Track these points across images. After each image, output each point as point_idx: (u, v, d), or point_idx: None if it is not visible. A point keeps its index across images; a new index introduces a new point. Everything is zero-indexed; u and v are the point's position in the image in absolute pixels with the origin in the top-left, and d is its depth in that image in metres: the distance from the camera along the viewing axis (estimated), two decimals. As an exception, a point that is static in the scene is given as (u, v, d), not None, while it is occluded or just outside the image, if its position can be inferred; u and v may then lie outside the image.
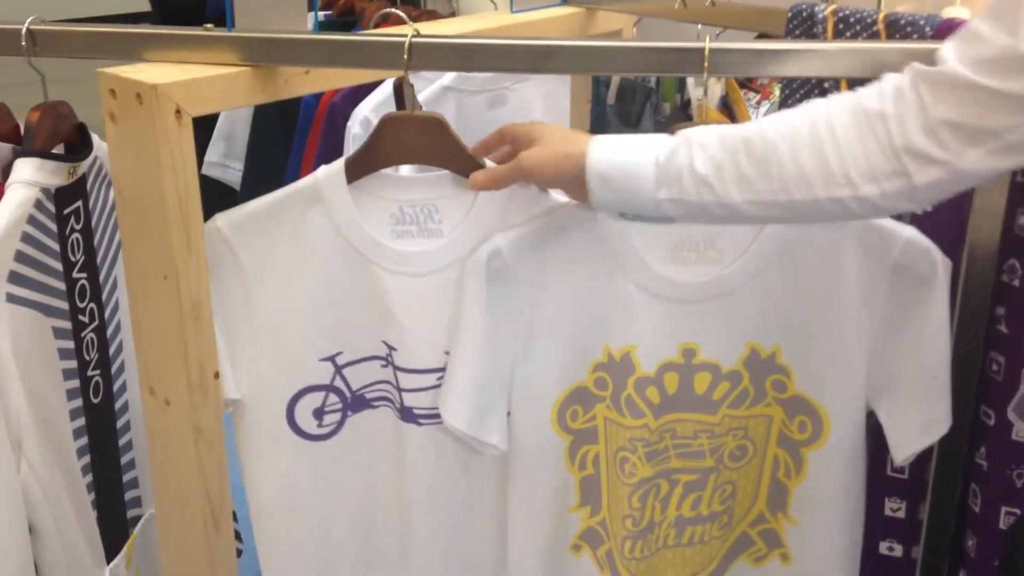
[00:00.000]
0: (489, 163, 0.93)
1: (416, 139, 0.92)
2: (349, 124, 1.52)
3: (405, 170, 1.10)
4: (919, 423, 0.89)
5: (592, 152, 0.81)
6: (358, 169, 0.93)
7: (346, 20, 1.96)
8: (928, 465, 0.97)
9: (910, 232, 0.87)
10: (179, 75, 0.85)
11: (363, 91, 1.56)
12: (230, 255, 0.93)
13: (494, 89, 1.59)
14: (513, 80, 1.59)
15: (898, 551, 1.01)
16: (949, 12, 2.73)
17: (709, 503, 1.01)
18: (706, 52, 0.81)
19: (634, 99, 1.25)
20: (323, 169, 0.93)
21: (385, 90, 1.54)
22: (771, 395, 0.97)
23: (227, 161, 2.03)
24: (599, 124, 1.27)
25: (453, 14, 2.50)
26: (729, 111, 1.25)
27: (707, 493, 1.00)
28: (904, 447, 0.91)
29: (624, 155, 0.80)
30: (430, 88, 1.54)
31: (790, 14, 1.01)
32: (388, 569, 1.08)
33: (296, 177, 0.98)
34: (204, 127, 1.96)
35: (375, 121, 1.40)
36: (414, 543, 1.05)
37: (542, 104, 1.64)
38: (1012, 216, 0.87)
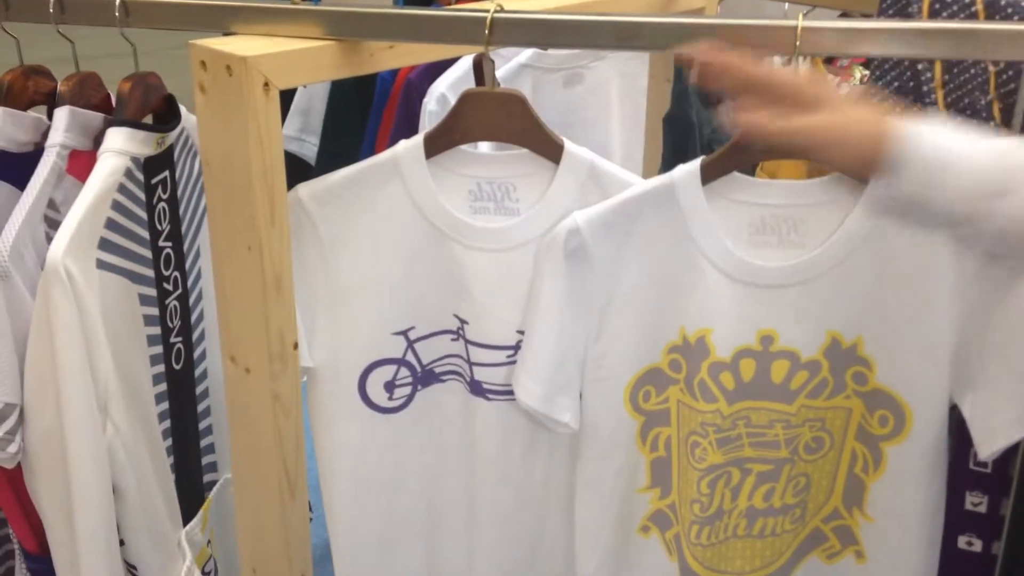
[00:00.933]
0: (578, 148, 0.93)
1: (495, 116, 0.92)
2: (425, 101, 1.53)
3: (484, 147, 1.10)
4: (1007, 418, 0.86)
5: (909, 132, 0.69)
6: (437, 145, 0.93)
7: (424, -6, 1.96)
8: (1013, 459, 0.93)
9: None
10: (267, 48, 0.86)
11: (439, 68, 1.56)
12: (310, 226, 0.94)
13: (571, 67, 1.58)
14: (590, 58, 1.58)
15: (977, 546, 0.99)
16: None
17: (782, 495, 0.99)
18: (798, 30, 0.79)
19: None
20: (402, 143, 0.94)
21: (462, 67, 1.54)
22: (851, 387, 0.95)
23: (303, 135, 2.06)
24: (680, 104, 1.25)
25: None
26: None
27: (780, 485, 0.99)
28: (990, 442, 0.88)
29: (948, 141, 0.70)
30: (507, 66, 1.54)
31: (884, -7, 0.98)
32: (453, 542, 1.09)
33: (371, 153, 0.99)
34: (282, 101, 1.99)
35: (451, 98, 1.41)
36: (479, 517, 1.06)
37: (619, 83, 1.62)
38: None
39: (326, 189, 0.94)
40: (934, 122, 0.71)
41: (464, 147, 0.95)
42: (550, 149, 0.93)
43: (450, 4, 1.64)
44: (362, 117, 1.84)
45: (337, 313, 0.98)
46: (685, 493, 0.99)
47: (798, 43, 0.79)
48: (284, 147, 2.14)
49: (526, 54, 1.54)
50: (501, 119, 0.92)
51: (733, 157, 0.88)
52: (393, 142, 0.95)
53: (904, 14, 0.97)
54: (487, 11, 0.85)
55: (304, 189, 0.94)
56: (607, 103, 1.64)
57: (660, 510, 1.03)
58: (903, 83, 0.98)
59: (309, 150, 2.05)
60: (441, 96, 1.52)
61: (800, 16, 0.80)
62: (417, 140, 0.93)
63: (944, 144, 0.70)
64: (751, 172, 1.07)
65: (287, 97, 2.02)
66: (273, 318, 0.92)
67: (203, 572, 1.19)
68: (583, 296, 0.93)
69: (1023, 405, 0.85)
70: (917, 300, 0.89)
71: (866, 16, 1.07)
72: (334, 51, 0.90)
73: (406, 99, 1.69)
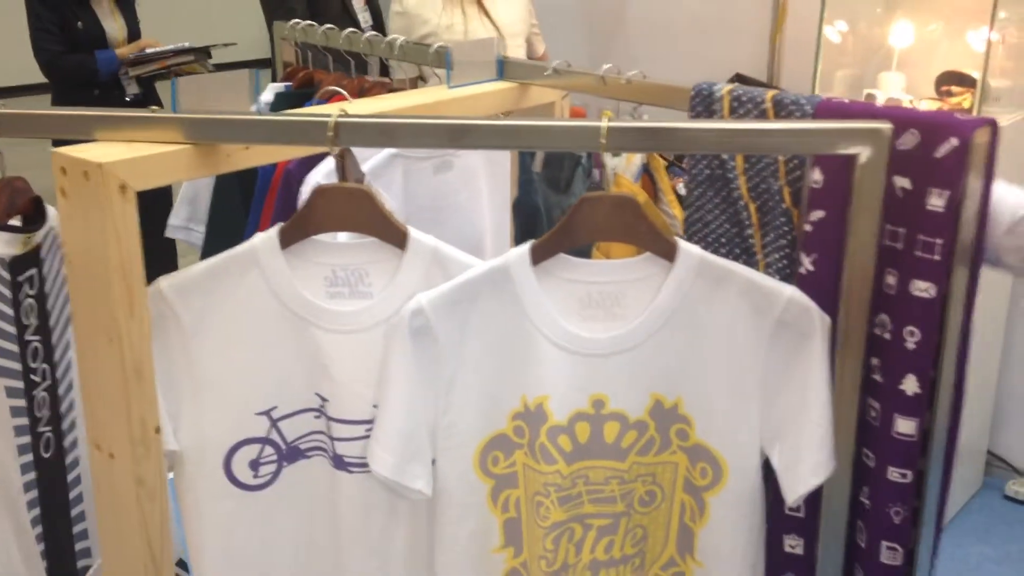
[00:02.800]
0: (420, 234, 1.02)
1: (345, 209, 1.00)
2: (302, 190, 1.61)
3: (343, 236, 1.18)
4: (806, 467, 0.97)
5: None
6: (291, 236, 1.01)
7: (304, 92, 2.06)
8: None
9: (791, 291, 0.96)
10: (124, 153, 0.93)
11: (317, 157, 1.65)
12: (171, 316, 1.00)
13: (439, 156, 1.69)
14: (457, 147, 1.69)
15: (798, 587, 1.08)
16: (884, 77, 2.86)
17: (621, 546, 1.08)
18: (603, 130, 0.91)
19: (562, 166, 1.34)
20: (259, 236, 1.01)
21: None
22: (676, 443, 1.05)
23: (191, 224, 2.11)
24: (526, 192, 1.36)
25: (420, 78, 2.63)
26: (651, 178, 1.35)
27: (619, 537, 1.07)
28: (794, 489, 0.98)
29: None
30: (378, 156, 1.63)
31: (693, 92, 1.11)
32: (324, 614, 1.14)
33: (254, 240, 1.05)
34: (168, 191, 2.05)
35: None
36: (348, 587, 1.11)
37: (486, 170, 1.73)
38: (880, 276, 0.96)
39: (187, 280, 1.01)
40: None
41: (320, 237, 1.03)
42: (396, 237, 1.02)
43: (328, 97, 1.74)
44: (245, 206, 1.90)
45: (201, 397, 1.04)
46: (534, 550, 1.06)
47: (603, 141, 0.91)
48: (171, 236, 2.19)
49: (394, 146, 1.64)
50: (350, 211, 1.00)
51: (559, 240, 0.99)
52: (274, 230, 1.01)
53: (709, 112, 1.10)
54: (330, 115, 0.95)
55: (165, 281, 1.00)
56: (476, 188, 1.74)
57: (515, 568, 1.10)
58: (713, 171, 1.11)
59: (196, 238, 2.10)
60: (316, 185, 1.60)
61: (605, 118, 0.91)
62: (272, 233, 1.01)
63: None
64: (589, 251, 1.19)
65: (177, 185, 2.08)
66: (134, 405, 0.97)
67: (76, 660, 1.19)
68: (430, 370, 1.01)
69: (819, 455, 0.97)
70: (723, 363, 1.00)
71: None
72: (191, 154, 0.98)
73: (286, 188, 1.77)
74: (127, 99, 3.28)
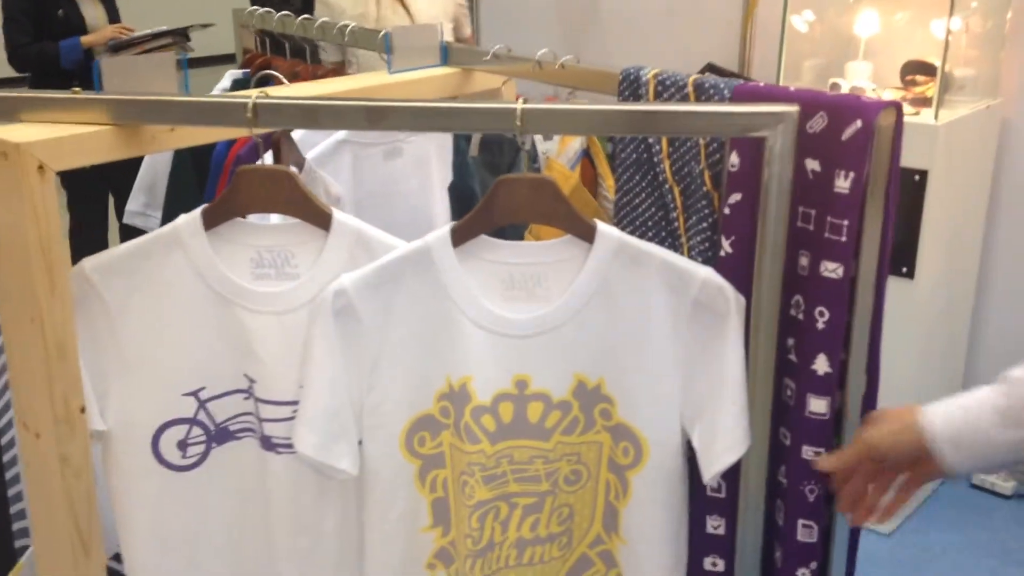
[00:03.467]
0: (345, 216, 1.03)
1: (267, 190, 1.01)
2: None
3: (276, 218, 1.19)
4: (721, 445, 0.98)
5: (927, 418, 0.91)
6: (215, 217, 1.02)
7: (261, 78, 2.06)
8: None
9: (706, 272, 0.97)
10: (44, 134, 0.93)
11: (269, 143, 1.66)
12: (95, 296, 1.01)
13: (389, 142, 1.69)
14: (407, 133, 1.70)
15: (721, 566, 1.10)
16: (851, 66, 2.87)
17: (547, 525, 1.09)
18: (518, 112, 0.92)
19: (502, 151, 1.35)
20: (182, 217, 1.02)
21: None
22: (600, 423, 1.06)
23: (148, 211, 2.11)
24: (461, 175, 1.37)
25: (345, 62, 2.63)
26: (592, 163, 1.36)
27: (544, 515, 1.08)
28: (710, 467, 1.00)
29: (961, 411, 0.90)
30: (326, 142, 1.64)
31: (621, 77, 1.12)
32: (256, 593, 1.15)
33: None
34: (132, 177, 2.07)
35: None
36: (280, 567, 1.12)
37: (437, 155, 1.73)
38: (795, 257, 0.98)
39: (110, 261, 1.01)
40: (946, 401, 0.91)
41: (243, 218, 1.04)
42: (320, 218, 1.03)
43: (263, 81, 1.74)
44: (200, 191, 1.91)
45: (127, 377, 1.05)
46: (460, 529, 1.08)
47: (518, 122, 0.91)
48: (130, 223, 2.20)
49: (343, 131, 1.65)
50: (273, 193, 1.01)
51: (478, 222, 1.00)
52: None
53: (636, 95, 1.11)
54: (250, 97, 0.95)
55: (89, 262, 1.01)
56: (428, 174, 1.75)
57: (443, 547, 1.11)
58: (639, 155, 1.12)
59: (154, 224, 2.11)
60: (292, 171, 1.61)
61: (521, 100, 0.92)
62: (195, 214, 1.02)
63: (957, 414, 0.90)
64: (521, 233, 1.20)
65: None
66: (57, 384, 0.98)
67: (12, 638, 1.20)
68: (354, 351, 1.02)
69: (734, 434, 0.98)
70: (643, 344, 1.01)
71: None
72: (113, 135, 0.99)
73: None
74: None
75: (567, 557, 1.11)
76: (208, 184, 1.85)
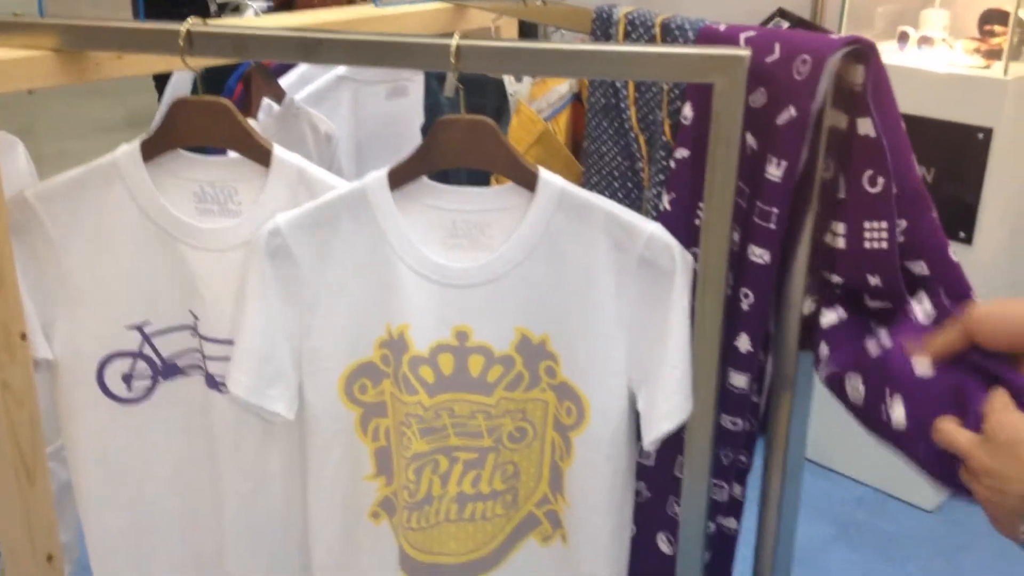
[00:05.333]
0: (285, 153, 0.99)
1: (204, 123, 0.98)
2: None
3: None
4: (661, 412, 0.93)
5: None
6: (153, 148, 0.99)
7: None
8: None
9: (653, 227, 0.91)
10: (-20, 57, 0.92)
11: (277, 75, 1.63)
12: (37, 225, 1.00)
13: (393, 81, 1.64)
14: (412, 72, 1.64)
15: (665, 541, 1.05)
16: (926, 13, 2.68)
17: (490, 481, 1.05)
18: (453, 49, 0.86)
19: (485, 92, 1.29)
20: (121, 147, 1.00)
21: (292, 76, 1.61)
22: (545, 380, 1.01)
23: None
24: (432, 116, 1.31)
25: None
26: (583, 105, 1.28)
27: (487, 472, 1.05)
28: (648, 433, 0.94)
29: None
30: (325, 77, 1.60)
31: (594, 15, 1.05)
32: (205, 530, 1.15)
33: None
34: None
35: (275, 106, 1.46)
36: (226, 505, 1.12)
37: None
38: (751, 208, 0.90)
39: (52, 190, 1.00)
40: None
41: (183, 151, 1.01)
42: (259, 154, 0.99)
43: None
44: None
45: (72, 307, 1.04)
46: (398, 480, 1.05)
47: (453, 60, 0.86)
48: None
49: (343, 66, 1.60)
50: (210, 125, 0.98)
51: (416, 164, 0.95)
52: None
53: (607, 35, 1.03)
54: (182, 25, 0.92)
55: (31, 190, 1.00)
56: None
57: (387, 497, 1.09)
58: (608, 100, 1.05)
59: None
60: (267, 105, 1.58)
61: (456, 35, 0.86)
62: (135, 144, 0.99)
63: None
64: (487, 179, 1.14)
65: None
66: (-5, 310, 0.98)
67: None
68: (290, 292, 0.99)
69: (673, 399, 0.92)
70: (587, 300, 0.95)
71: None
72: (55, 60, 0.96)
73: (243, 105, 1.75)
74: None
75: (512, 515, 1.08)
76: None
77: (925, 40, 2.51)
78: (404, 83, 1.65)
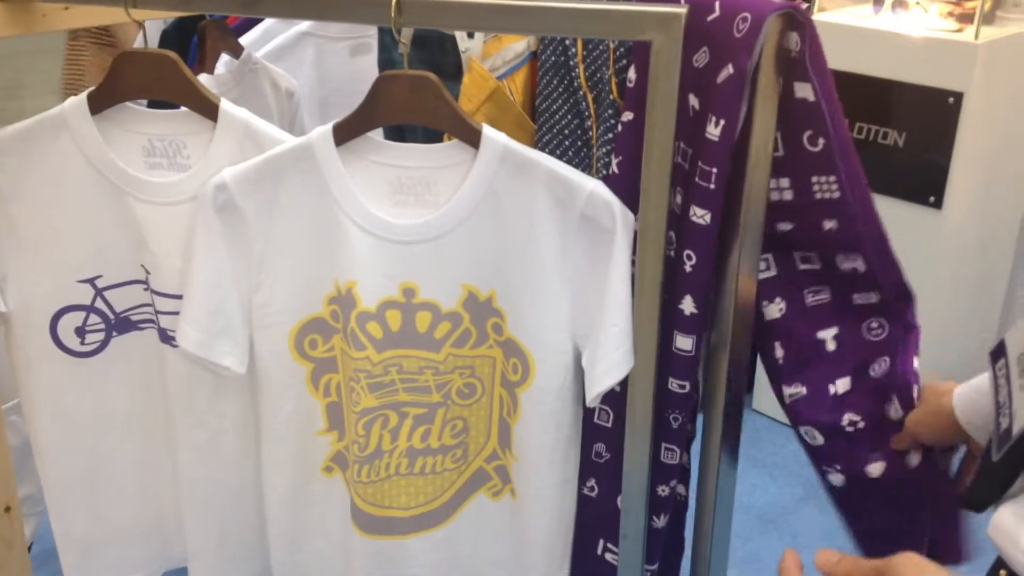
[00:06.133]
0: (232, 107, 0.99)
1: (150, 75, 0.97)
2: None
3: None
4: (601, 368, 0.94)
5: (956, 401, 0.92)
6: (100, 102, 0.99)
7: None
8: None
9: (594, 185, 0.91)
10: (-80, 6, 0.91)
11: (242, 29, 1.62)
12: (-14, 176, 1.00)
13: (356, 37, 1.64)
14: (374, 28, 1.63)
15: (596, 492, 1.07)
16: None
17: (439, 436, 1.07)
18: (394, 2, 0.85)
19: (444, 49, 1.28)
20: (70, 100, 0.99)
21: (256, 32, 1.60)
22: (492, 337, 1.02)
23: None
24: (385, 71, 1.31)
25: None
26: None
27: (436, 427, 1.06)
28: (592, 388, 0.95)
29: (980, 396, 0.89)
30: (287, 33, 1.59)
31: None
32: (160, 481, 1.16)
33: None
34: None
35: (234, 63, 1.45)
36: (180, 457, 1.13)
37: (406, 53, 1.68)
38: (671, 194, 0.91)
39: (1, 142, 1.00)
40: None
41: (131, 105, 1.01)
42: (206, 108, 0.99)
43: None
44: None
45: (24, 260, 1.05)
46: (349, 435, 1.06)
47: (394, 15, 0.86)
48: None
49: (307, 22, 1.60)
50: (156, 78, 0.98)
51: (360, 120, 0.95)
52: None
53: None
54: (126, -23, 0.91)
55: (-23, 142, 1.00)
56: (402, 72, 1.69)
57: (340, 452, 1.10)
58: (557, 57, 1.05)
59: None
60: (225, 60, 1.58)
61: (398, -10, 0.86)
62: (82, 97, 0.99)
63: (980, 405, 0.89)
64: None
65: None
66: (-56, 262, 0.98)
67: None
68: (238, 247, 1.00)
69: (614, 354, 0.93)
70: (530, 257, 0.96)
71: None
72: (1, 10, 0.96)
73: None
74: None
75: (462, 469, 1.09)
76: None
77: (900, 3, 2.50)
78: (368, 40, 1.64)
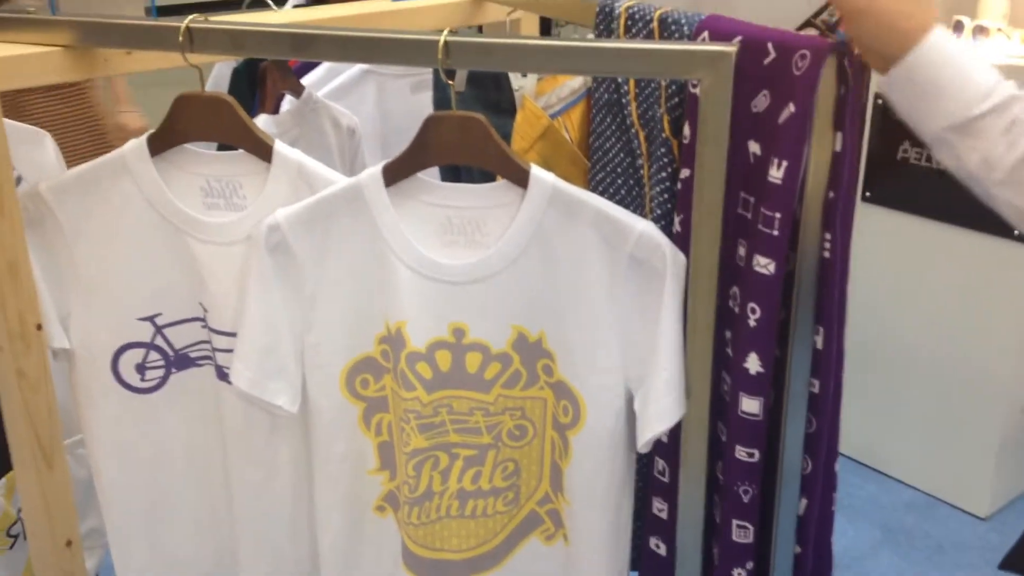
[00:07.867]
0: (286, 148, 1.00)
1: (206, 118, 0.99)
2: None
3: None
4: (652, 412, 0.91)
5: (934, 36, 0.76)
6: (159, 144, 1.01)
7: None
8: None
9: (644, 226, 0.89)
10: (-8, 54, 0.95)
11: (307, 68, 1.65)
12: (51, 218, 1.03)
13: (418, 74, 1.65)
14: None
15: (663, 549, 1.03)
16: (986, 2, 2.57)
17: (490, 478, 1.05)
18: (441, 45, 0.85)
19: (500, 87, 1.28)
20: (130, 143, 1.02)
21: (320, 71, 1.63)
22: (543, 379, 1.00)
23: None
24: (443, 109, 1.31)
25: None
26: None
27: (487, 469, 1.05)
28: (642, 434, 0.93)
29: (963, 58, 0.75)
30: (350, 71, 1.61)
31: (597, 10, 1.03)
32: (215, 518, 1.17)
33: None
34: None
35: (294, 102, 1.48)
36: (236, 493, 1.14)
37: (471, 90, 1.68)
38: (734, 246, 0.88)
39: (63, 184, 1.03)
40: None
41: (190, 147, 1.03)
42: (260, 149, 1.00)
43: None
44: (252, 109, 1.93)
45: (87, 298, 1.07)
46: (400, 475, 1.05)
47: (440, 56, 0.86)
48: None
49: (368, 60, 1.61)
50: (212, 121, 0.99)
51: (410, 161, 0.95)
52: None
53: (609, 31, 1.02)
54: (182, 22, 0.93)
55: (44, 184, 1.03)
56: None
57: (392, 491, 1.09)
58: (610, 95, 1.03)
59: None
60: (286, 100, 1.60)
61: (444, 32, 0.86)
62: (141, 140, 1.02)
63: (959, 58, 0.74)
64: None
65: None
66: (11, 302, 1.01)
67: (8, 535, 1.28)
68: (291, 287, 1.00)
69: (665, 400, 0.90)
70: (579, 298, 0.94)
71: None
72: (63, 56, 0.99)
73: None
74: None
75: (514, 512, 1.07)
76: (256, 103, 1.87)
77: (980, 30, 2.42)
78: (428, 77, 1.65)
